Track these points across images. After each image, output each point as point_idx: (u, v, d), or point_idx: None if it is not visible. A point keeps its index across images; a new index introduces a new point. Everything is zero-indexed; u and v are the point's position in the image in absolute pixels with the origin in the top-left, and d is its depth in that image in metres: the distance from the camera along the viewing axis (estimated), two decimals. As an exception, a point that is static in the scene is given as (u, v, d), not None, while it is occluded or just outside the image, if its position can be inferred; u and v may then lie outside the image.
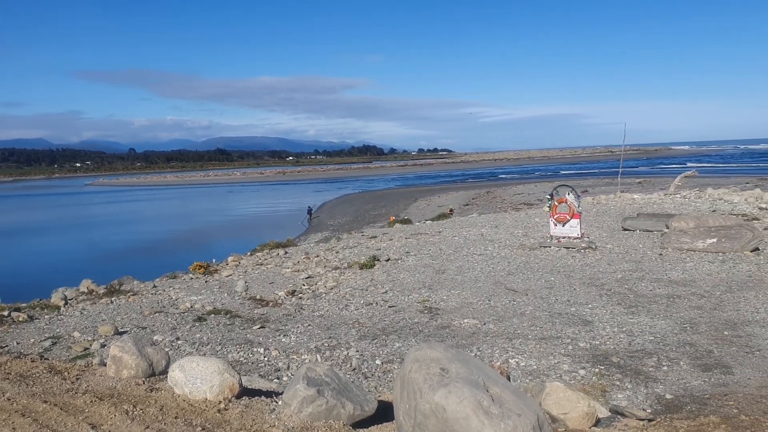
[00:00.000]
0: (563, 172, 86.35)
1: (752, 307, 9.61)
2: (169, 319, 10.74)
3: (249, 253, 19.79)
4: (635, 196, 26.60)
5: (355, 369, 7.77)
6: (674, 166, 79.57)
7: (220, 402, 4.65)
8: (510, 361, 7.62)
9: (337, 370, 7.73)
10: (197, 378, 4.77)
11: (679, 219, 16.07)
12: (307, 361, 8.15)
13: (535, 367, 7.39)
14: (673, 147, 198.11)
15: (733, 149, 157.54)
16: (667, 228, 15.84)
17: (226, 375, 4.79)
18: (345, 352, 8.41)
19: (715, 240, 14.02)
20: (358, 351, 8.43)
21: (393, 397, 4.23)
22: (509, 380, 5.27)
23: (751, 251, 13.57)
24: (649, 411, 5.71)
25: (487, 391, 3.47)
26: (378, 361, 8.01)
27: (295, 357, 8.33)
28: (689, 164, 72.81)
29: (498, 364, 7.07)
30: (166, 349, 6.57)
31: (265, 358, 8.36)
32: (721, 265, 12.59)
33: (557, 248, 15.16)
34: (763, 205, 20.91)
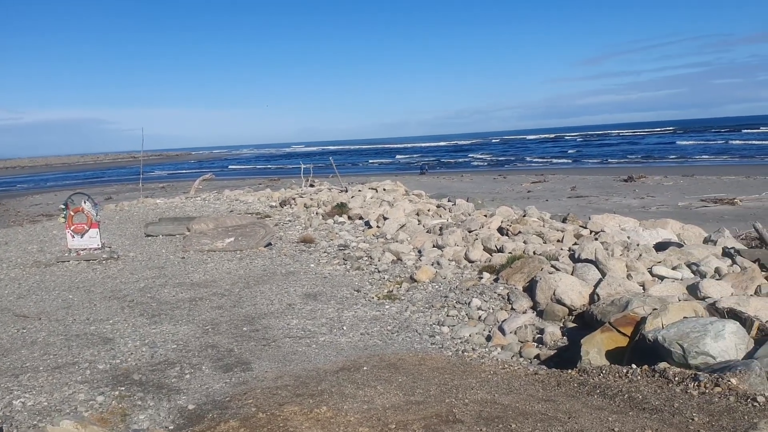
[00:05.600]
0: (85, 179, 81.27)
1: (267, 300, 10.40)
2: None
3: None
4: (158, 201, 26.53)
5: None
6: (194, 170, 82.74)
7: None
8: (14, 402, 6.47)
9: None
10: None
11: (200, 221, 16.55)
12: None
13: (46, 404, 6.42)
14: (193, 152, 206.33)
15: (249, 153, 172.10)
16: (189, 231, 16.14)
17: None
18: None
19: (232, 239, 14.85)
20: None
21: None
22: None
23: (265, 246, 14.82)
24: (172, 427, 5.50)
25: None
26: None
27: None
28: (205, 169, 76.46)
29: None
30: None
31: None
32: (239, 263, 13.37)
33: (77, 262, 13.92)
34: (273, 203, 23.24)
